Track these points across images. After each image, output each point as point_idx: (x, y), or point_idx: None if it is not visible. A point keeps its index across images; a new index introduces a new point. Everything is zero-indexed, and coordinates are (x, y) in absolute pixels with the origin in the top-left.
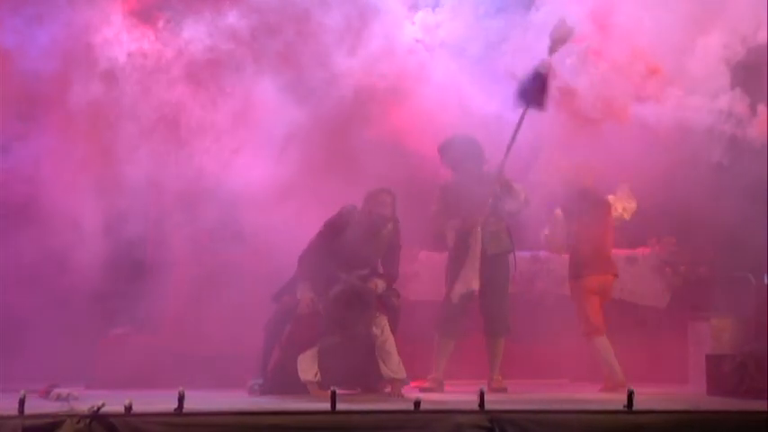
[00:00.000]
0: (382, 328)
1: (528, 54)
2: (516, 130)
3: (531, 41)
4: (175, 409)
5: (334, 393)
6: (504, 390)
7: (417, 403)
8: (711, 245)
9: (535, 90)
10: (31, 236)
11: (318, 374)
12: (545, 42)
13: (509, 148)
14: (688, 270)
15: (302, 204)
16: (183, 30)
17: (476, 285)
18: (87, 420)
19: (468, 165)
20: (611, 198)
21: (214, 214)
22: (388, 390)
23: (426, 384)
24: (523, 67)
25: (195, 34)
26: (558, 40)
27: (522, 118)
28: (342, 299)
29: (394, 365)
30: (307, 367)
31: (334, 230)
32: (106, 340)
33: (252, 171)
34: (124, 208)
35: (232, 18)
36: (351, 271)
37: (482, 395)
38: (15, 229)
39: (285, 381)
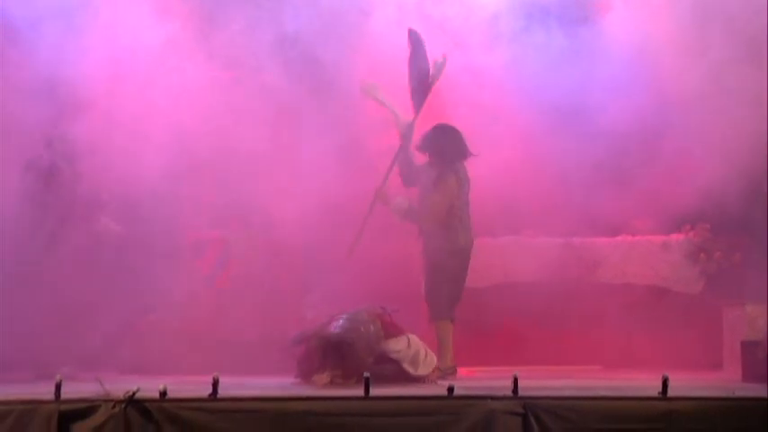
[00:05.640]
0: (408, 342)
1: None
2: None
3: None
4: (210, 395)
5: (367, 379)
6: (453, 372)
7: (451, 389)
8: (746, 231)
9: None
10: (77, 221)
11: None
12: None
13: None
14: (722, 256)
15: (328, 193)
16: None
17: None
18: (122, 405)
19: (450, 155)
20: None
21: (247, 200)
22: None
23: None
24: None
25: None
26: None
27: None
28: (315, 351)
29: (435, 362)
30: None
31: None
32: (141, 325)
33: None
34: (159, 192)
35: None
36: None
37: (515, 381)
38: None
39: None
